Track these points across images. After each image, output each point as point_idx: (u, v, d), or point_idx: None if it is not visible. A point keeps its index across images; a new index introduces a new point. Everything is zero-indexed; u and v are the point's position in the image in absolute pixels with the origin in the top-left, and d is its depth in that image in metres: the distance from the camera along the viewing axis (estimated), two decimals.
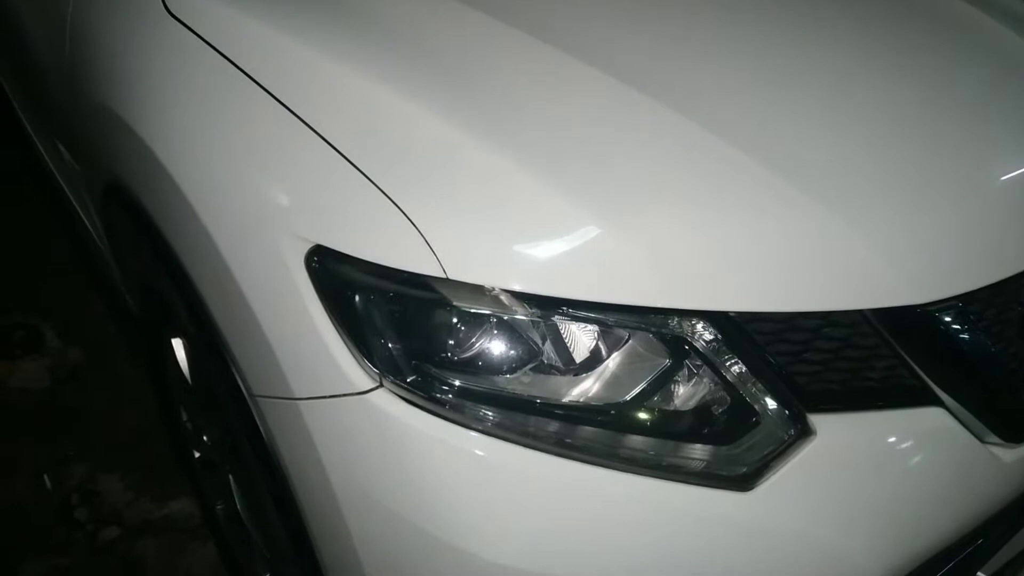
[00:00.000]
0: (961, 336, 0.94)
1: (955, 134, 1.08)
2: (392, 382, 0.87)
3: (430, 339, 0.88)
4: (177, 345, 1.38)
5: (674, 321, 0.87)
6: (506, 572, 0.86)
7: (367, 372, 0.87)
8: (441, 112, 0.97)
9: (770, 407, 0.88)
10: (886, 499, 0.92)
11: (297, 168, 0.95)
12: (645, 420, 0.88)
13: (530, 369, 0.88)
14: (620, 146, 0.96)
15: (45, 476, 1.80)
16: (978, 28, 1.32)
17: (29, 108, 2.06)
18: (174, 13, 1.15)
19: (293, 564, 1.07)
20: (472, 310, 0.87)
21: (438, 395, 0.86)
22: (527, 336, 0.88)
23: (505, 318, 0.87)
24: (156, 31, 1.16)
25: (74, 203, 1.85)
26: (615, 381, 0.88)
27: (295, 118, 0.97)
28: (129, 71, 1.19)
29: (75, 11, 1.37)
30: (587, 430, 0.87)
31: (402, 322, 0.88)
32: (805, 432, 0.88)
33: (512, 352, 0.88)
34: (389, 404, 0.87)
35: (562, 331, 0.88)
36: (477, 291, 0.86)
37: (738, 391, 0.88)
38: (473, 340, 0.87)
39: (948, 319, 0.93)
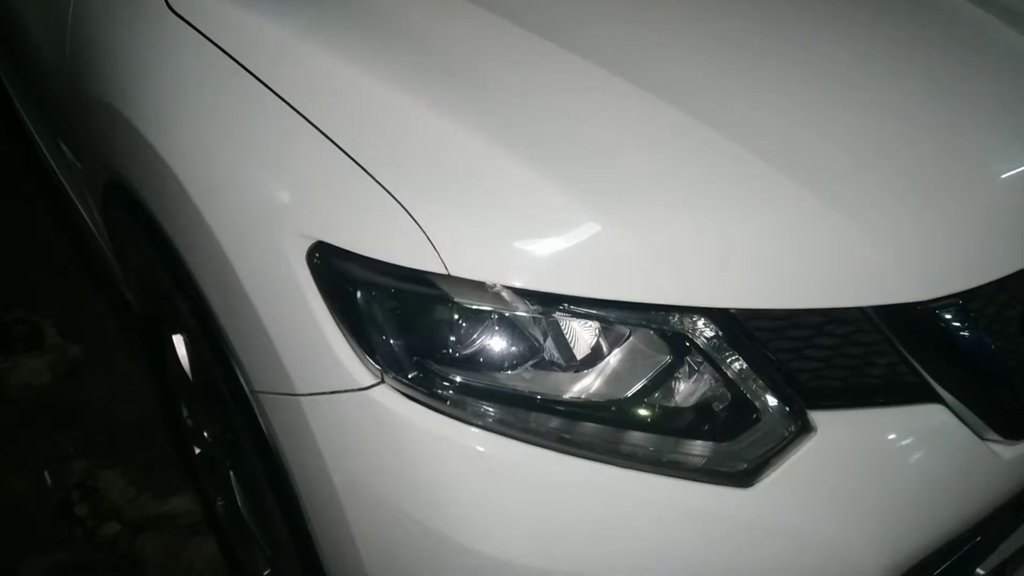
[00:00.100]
0: (961, 333, 0.94)
1: (956, 132, 1.08)
2: (394, 378, 0.87)
3: (431, 335, 0.88)
4: (178, 341, 1.38)
5: (675, 318, 0.87)
6: (507, 567, 0.86)
7: (369, 368, 0.87)
8: (443, 109, 0.97)
9: (771, 404, 0.88)
10: (886, 495, 0.92)
11: (299, 164, 0.95)
12: (646, 416, 0.88)
13: (531, 365, 0.88)
14: (623, 143, 0.96)
15: (45, 472, 1.80)
16: (981, 26, 1.32)
17: (30, 105, 2.06)
18: (176, 10, 1.15)
19: (294, 560, 1.08)
20: (473, 306, 0.87)
21: (439, 391, 0.87)
22: (528, 332, 0.88)
23: (506, 314, 0.87)
24: (158, 28, 1.16)
25: (75, 200, 1.85)
26: (616, 377, 0.88)
27: (297, 115, 0.97)
28: (131, 68, 1.19)
29: (76, 8, 1.37)
30: (588, 426, 0.87)
31: (403, 318, 0.88)
32: (805, 429, 0.89)
33: (513, 348, 0.88)
34: (390, 400, 0.87)
35: (563, 327, 0.88)
36: (478, 287, 0.86)
37: (739, 388, 0.88)
38: (474, 336, 0.88)
39: (949, 316, 0.94)
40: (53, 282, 2.34)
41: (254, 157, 0.99)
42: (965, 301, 0.94)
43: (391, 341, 0.88)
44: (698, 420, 0.89)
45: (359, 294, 0.88)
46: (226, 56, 1.06)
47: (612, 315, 0.88)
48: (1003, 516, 1.03)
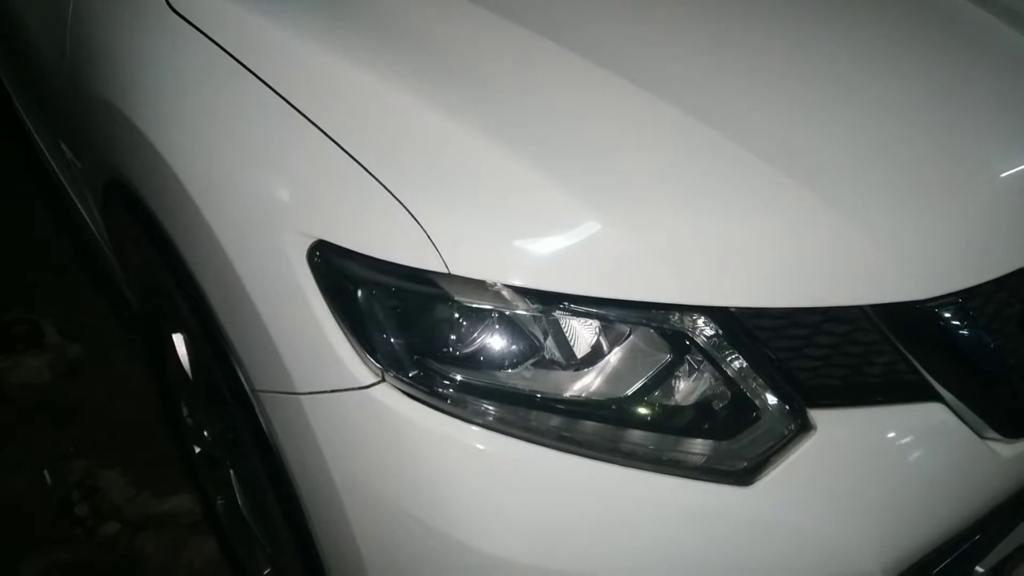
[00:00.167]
0: (960, 332, 0.95)
1: (956, 132, 1.08)
2: (394, 377, 0.87)
3: (432, 334, 0.88)
4: (178, 340, 1.38)
5: (675, 316, 0.88)
6: (507, 565, 0.86)
7: (369, 367, 0.88)
8: (443, 108, 0.97)
9: (770, 402, 0.89)
10: (885, 494, 0.92)
11: (299, 163, 0.95)
12: (646, 415, 0.88)
13: (532, 364, 0.88)
14: (623, 143, 0.97)
15: (45, 471, 1.80)
16: (981, 26, 1.32)
17: (30, 105, 2.06)
18: (176, 8, 1.15)
19: (294, 558, 1.08)
20: (474, 305, 0.87)
21: (440, 390, 0.87)
22: (528, 331, 0.88)
23: (507, 313, 0.87)
24: (158, 26, 1.16)
25: (75, 199, 1.85)
26: (616, 376, 0.88)
27: (298, 113, 0.97)
28: (131, 67, 1.19)
29: (76, 7, 1.37)
30: (588, 425, 0.87)
31: (404, 317, 0.88)
32: (805, 427, 0.89)
33: (514, 347, 0.88)
34: (391, 399, 0.87)
35: (563, 326, 0.88)
36: (479, 286, 0.86)
37: (739, 386, 0.88)
38: (475, 335, 0.88)
39: (948, 315, 0.94)
40: (53, 281, 2.34)
41: (254, 156, 1.00)
42: (964, 300, 0.94)
43: (392, 340, 0.88)
44: (698, 418, 0.89)
45: (360, 293, 0.88)
46: (226, 55, 1.06)
47: (612, 314, 0.88)
48: (1002, 514, 1.03)
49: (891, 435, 0.93)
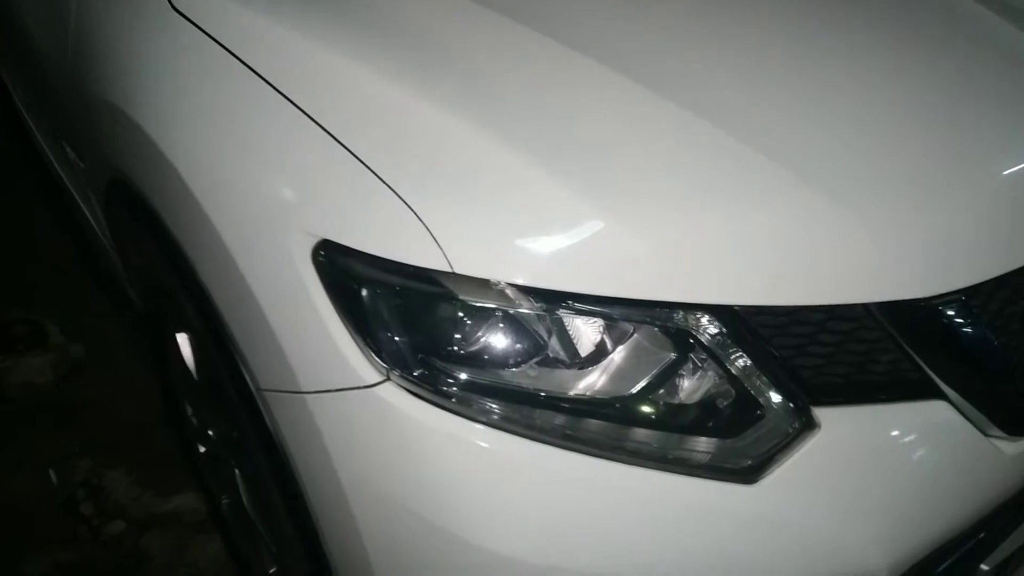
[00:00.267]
0: (964, 330, 0.95)
1: (960, 128, 1.08)
2: (399, 375, 0.87)
3: (436, 333, 0.88)
4: (182, 340, 1.38)
5: (679, 315, 0.88)
6: (512, 564, 0.87)
7: (374, 366, 0.88)
8: (446, 106, 0.97)
9: (774, 400, 0.89)
10: (890, 492, 0.92)
11: (303, 163, 0.96)
12: (650, 413, 0.88)
13: (536, 363, 0.88)
14: (623, 139, 0.97)
15: (50, 471, 1.80)
16: (981, 22, 1.32)
17: (32, 105, 2.06)
18: (179, 8, 1.15)
19: (300, 557, 1.08)
20: (478, 304, 0.87)
21: (444, 388, 0.87)
22: (533, 330, 0.88)
23: (511, 312, 0.87)
24: (161, 27, 1.17)
25: (77, 199, 1.85)
26: (620, 374, 0.89)
27: (301, 113, 0.98)
28: (134, 67, 1.19)
29: (79, 7, 1.37)
30: (593, 423, 0.88)
31: (408, 316, 0.88)
32: (809, 425, 0.89)
33: (518, 346, 0.88)
34: (396, 397, 0.87)
35: (567, 325, 0.88)
36: (483, 285, 0.87)
37: (743, 384, 0.88)
38: (479, 334, 0.88)
39: (952, 312, 0.94)
40: (55, 281, 2.35)
41: (257, 155, 1.00)
42: (968, 297, 0.95)
43: (396, 338, 0.88)
44: (702, 417, 0.89)
45: (364, 292, 0.88)
46: (228, 53, 1.07)
47: (616, 312, 0.88)
48: (1007, 512, 1.03)
49: (895, 433, 0.93)
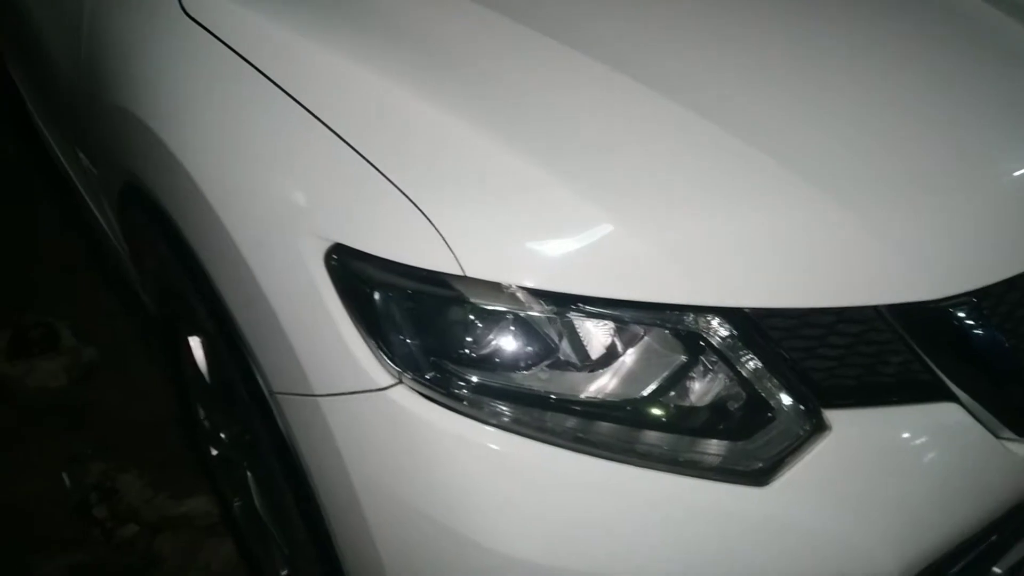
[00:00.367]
0: (975, 331, 0.95)
1: (968, 130, 1.07)
2: (411, 378, 0.88)
3: (448, 336, 0.89)
4: (194, 343, 1.39)
5: (690, 317, 0.88)
6: (523, 566, 0.87)
7: (386, 369, 0.88)
8: (458, 112, 0.98)
9: (785, 403, 0.89)
10: (901, 494, 0.92)
11: (316, 167, 0.96)
12: (661, 416, 0.89)
13: (547, 365, 0.89)
14: (636, 144, 0.97)
15: (63, 474, 1.81)
16: (989, 22, 1.31)
17: (46, 112, 2.07)
18: (190, 14, 1.16)
19: (312, 559, 1.08)
20: (489, 307, 0.88)
21: (456, 391, 0.87)
22: (543, 333, 0.89)
23: (522, 315, 0.88)
24: (173, 32, 1.18)
25: (91, 205, 1.87)
26: (631, 377, 0.89)
27: (313, 117, 0.98)
28: (146, 72, 1.20)
29: (91, 14, 1.39)
30: (604, 426, 0.88)
31: (420, 319, 0.89)
32: (820, 427, 0.89)
33: (529, 348, 0.88)
34: (408, 400, 0.88)
35: (578, 328, 0.89)
36: (494, 288, 0.87)
37: (753, 387, 0.89)
38: (490, 337, 0.88)
39: (962, 314, 0.94)
40: (68, 285, 2.36)
41: (270, 159, 1.00)
42: (978, 299, 0.94)
43: (408, 342, 0.88)
44: (713, 419, 0.89)
45: (376, 295, 0.89)
46: (239, 57, 1.07)
47: (626, 315, 0.88)
48: (1019, 514, 1.03)
49: (906, 435, 0.93)
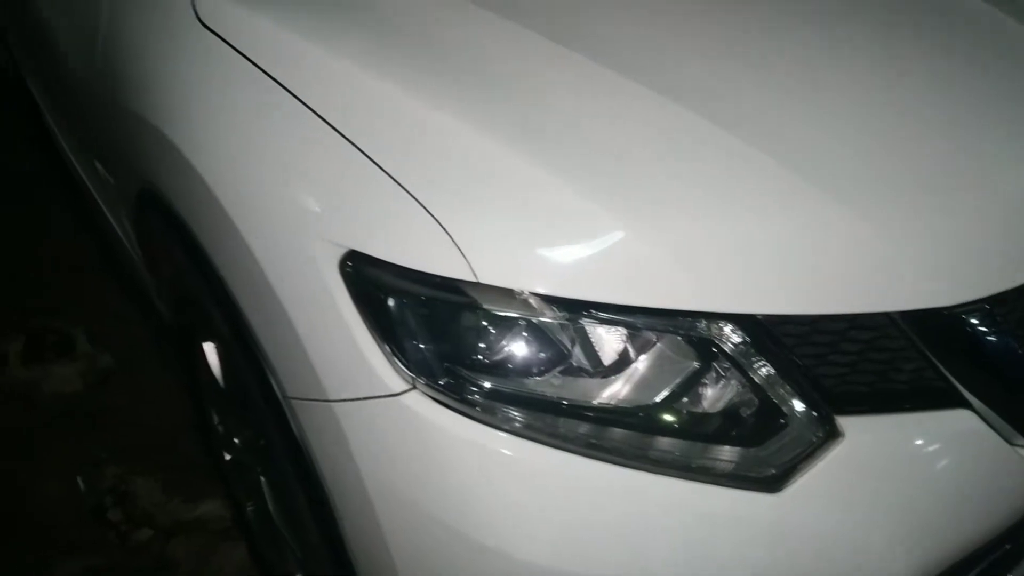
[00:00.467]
0: (988, 338, 0.94)
1: (980, 135, 1.07)
2: (425, 384, 0.88)
3: (461, 342, 0.89)
4: (209, 349, 1.40)
5: (702, 324, 0.88)
6: (535, 571, 0.87)
7: (400, 374, 0.89)
8: (470, 118, 0.98)
9: (798, 409, 0.89)
10: (914, 501, 0.92)
11: (330, 174, 0.97)
12: (674, 422, 0.89)
13: (559, 371, 0.89)
14: (647, 150, 0.97)
15: (78, 478, 1.82)
16: (998, 26, 1.31)
17: (62, 122, 2.09)
18: (206, 23, 1.17)
19: (325, 563, 1.09)
20: (502, 313, 0.88)
21: (469, 397, 0.88)
22: (556, 339, 0.89)
23: (534, 321, 0.88)
24: (188, 41, 1.19)
25: (106, 213, 1.88)
26: (644, 383, 0.89)
27: (327, 125, 0.99)
28: (162, 80, 1.22)
29: (108, 22, 1.40)
30: (616, 432, 0.88)
31: (434, 325, 0.90)
32: (833, 434, 0.89)
33: (542, 354, 0.89)
34: (422, 406, 0.88)
35: (591, 334, 0.89)
36: (507, 294, 0.88)
37: (766, 393, 0.89)
38: (503, 343, 0.89)
39: (975, 321, 0.94)
40: (83, 291, 2.38)
41: (284, 166, 1.01)
42: (991, 306, 0.94)
43: (422, 347, 0.89)
44: (726, 426, 0.89)
45: (391, 301, 0.90)
46: (253, 66, 1.08)
47: (639, 321, 0.88)
48: None
49: (920, 442, 0.92)
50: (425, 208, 0.90)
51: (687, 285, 0.88)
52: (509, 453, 0.87)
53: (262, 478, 1.42)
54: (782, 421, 0.89)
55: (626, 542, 0.87)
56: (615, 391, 0.89)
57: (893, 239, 0.93)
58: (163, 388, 2.02)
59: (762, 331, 0.88)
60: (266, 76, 1.07)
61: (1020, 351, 0.96)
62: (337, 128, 0.98)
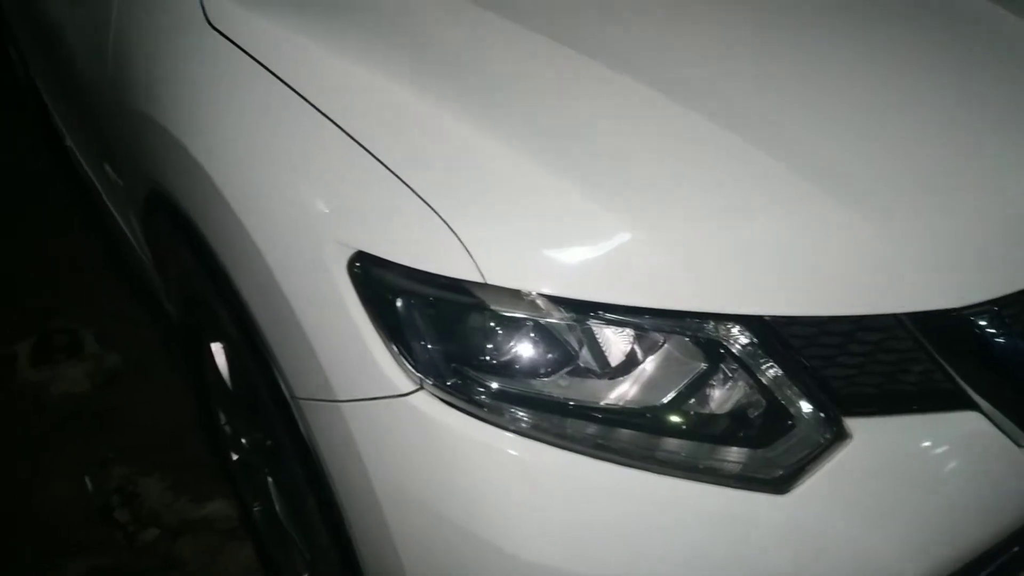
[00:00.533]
0: (996, 340, 0.94)
1: (987, 136, 1.07)
2: (432, 385, 0.89)
3: (469, 342, 0.89)
4: (216, 349, 1.41)
5: (710, 325, 0.88)
6: (543, 571, 0.87)
7: (408, 375, 0.89)
8: (477, 120, 0.99)
9: (805, 411, 0.89)
10: (922, 503, 0.92)
11: (338, 176, 0.97)
12: (681, 423, 0.89)
13: (567, 372, 0.89)
14: (653, 152, 0.98)
15: (86, 478, 1.84)
16: (999, 24, 1.31)
17: (73, 124, 2.10)
18: (215, 25, 1.18)
19: (333, 563, 1.09)
20: (509, 314, 0.88)
21: (477, 397, 0.88)
22: (564, 340, 0.89)
23: (542, 322, 0.88)
24: (198, 43, 1.20)
25: (115, 215, 1.89)
26: (651, 384, 0.89)
27: (335, 127, 0.99)
28: (172, 82, 1.22)
29: (117, 26, 1.41)
30: (624, 432, 0.88)
31: (442, 326, 0.90)
32: (841, 436, 0.89)
33: (549, 355, 0.89)
34: (429, 406, 0.88)
35: (598, 335, 0.89)
36: (514, 295, 0.88)
37: (773, 394, 0.89)
38: (511, 344, 0.89)
39: (983, 323, 0.93)
40: (92, 292, 2.39)
41: (292, 166, 1.02)
42: (1000, 307, 0.94)
43: (430, 348, 0.89)
44: (733, 427, 0.89)
45: (399, 302, 0.90)
46: (262, 67, 1.09)
47: (646, 322, 0.89)
48: None
49: (927, 444, 0.92)
50: (433, 209, 0.90)
51: (694, 286, 0.88)
52: (516, 454, 0.87)
53: (269, 478, 1.42)
54: (789, 422, 0.89)
55: (632, 542, 0.87)
56: (622, 392, 0.89)
57: (900, 240, 0.93)
58: (170, 388, 2.02)
59: (769, 332, 0.88)
60: (275, 78, 1.07)
61: None
62: (345, 129, 0.99)
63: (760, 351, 0.88)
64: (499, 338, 0.89)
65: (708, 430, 0.89)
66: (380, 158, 0.95)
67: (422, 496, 0.90)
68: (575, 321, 0.89)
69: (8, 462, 1.88)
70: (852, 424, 0.89)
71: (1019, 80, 1.18)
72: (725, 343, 0.88)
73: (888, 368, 0.92)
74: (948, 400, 0.93)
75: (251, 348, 1.10)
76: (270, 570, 1.56)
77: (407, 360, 0.89)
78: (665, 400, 0.89)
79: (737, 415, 0.89)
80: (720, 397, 0.90)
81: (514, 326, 0.89)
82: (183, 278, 1.36)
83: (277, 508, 1.42)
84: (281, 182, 1.02)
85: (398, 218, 0.92)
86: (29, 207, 2.79)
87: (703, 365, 0.89)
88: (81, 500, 1.80)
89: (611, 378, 0.90)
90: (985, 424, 0.94)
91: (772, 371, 0.88)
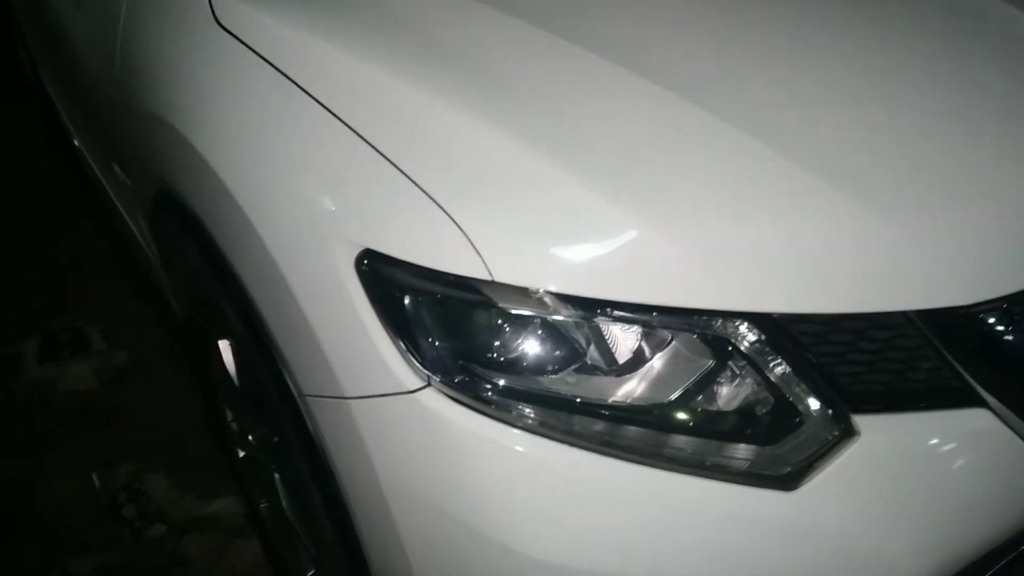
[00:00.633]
0: (1005, 337, 0.94)
1: (995, 133, 1.07)
2: (440, 382, 0.89)
3: (476, 340, 0.89)
4: (224, 347, 1.41)
5: (718, 322, 0.88)
6: (551, 569, 0.87)
7: (416, 372, 0.89)
8: (485, 117, 0.99)
9: (813, 408, 0.89)
10: (930, 500, 0.92)
11: (346, 174, 0.98)
12: (689, 420, 0.89)
13: (574, 369, 0.89)
14: (662, 150, 0.97)
15: (93, 475, 1.84)
16: (1012, 21, 1.31)
17: (81, 124, 2.11)
18: (223, 24, 1.18)
19: (339, 560, 1.09)
20: (517, 312, 0.88)
21: (484, 394, 0.88)
22: (571, 337, 0.89)
23: (549, 319, 0.88)
24: (206, 42, 1.20)
25: (123, 214, 1.90)
26: (659, 381, 0.89)
27: (343, 125, 1.00)
28: (180, 81, 1.23)
29: (126, 26, 1.41)
30: (631, 430, 0.88)
31: (449, 323, 0.90)
32: (849, 433, 0.89)
33: (557, 352, 0.89)
34: (437, 403, 0.89)
35: (606, 332, 0.89)
36: (522, 293, 0.88)
37: (782, 392, 0.89)
38: (518, 341, 0.89)
39: (992, 320, 0.93)
40: (98, 290, 2.40)
41: (300, 164, 1.02)
42: (1009, 305, 0.94)
43: (437, 345, 0.89)
44: (741, 424, 0.89)
45: (406, 300, 0.90)
46: (271, 67, 1.09)
47: (654, 319, 0.88)
48: None
49: (936, 441, 0.92)
50: (440, 207, 0.90)
51: (702, 283, 0.88)
52: (523, 450, 0.87)
53: (276, 475, 1.43)
54: (798, 419, 0.89)
55: (639, 539, 0.87)
56: (630, 389, 0.89)
57: (908, 238, 0.93)
58: (177, 386, 2.03)
59: (778, 329, 0.88)
60: (283, 76, 1.08)
61: None
62: (353, 127, 0.99)
63: (768, 348, 0.88)
64: (506, 335, 0.89)
65: (716, 427, 0.89)
66: (388, 156, 0.95)
67: (428, 492, 0.90)
68: (583, 318, 0.89)
69: (14, 459, 1.89)
70: (860, 421, 0.89)
71: (1021, 71, 1.17)
72: (733, 340, 0.88)
73: (897, 365, 0.91)
74: (957, 397, 0.93)
75: (258, 345, 1.10)
76: (276, 566, 1.56)
77: (414, 357, 0.89)
78: (673, 397, 0.89)
79: (745, 412, 0.89)
80: (728, 394, 0.90)
81: (522, 323, 0.89)
82: (191, 276, 1.37)
83: (284, 504, 1.42)
84: (288, 180, 1.02)
85: (405, 216, 0.92)
86: (36, 206, 2.80)
87: (711, 362, 0.89)
88: (88, 497, 1.80)
89: (619, 375, 0.90)
90: (994, 421, 0.94)
91: (780, 368, 0.88)
